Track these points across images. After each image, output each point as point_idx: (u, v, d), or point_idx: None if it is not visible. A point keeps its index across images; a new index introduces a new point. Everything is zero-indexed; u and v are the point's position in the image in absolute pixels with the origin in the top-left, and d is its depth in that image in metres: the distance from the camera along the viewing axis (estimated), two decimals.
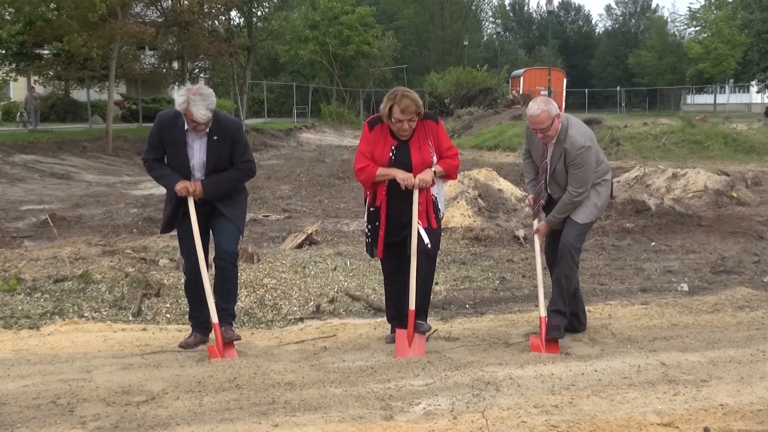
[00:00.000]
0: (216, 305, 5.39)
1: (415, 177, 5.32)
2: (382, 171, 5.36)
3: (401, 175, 5.31)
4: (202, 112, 5.08)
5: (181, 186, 5.27)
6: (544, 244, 5.93)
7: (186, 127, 5.24)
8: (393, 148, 5.38)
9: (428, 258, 5.50)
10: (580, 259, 5.83)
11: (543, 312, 5.60)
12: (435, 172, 5.39)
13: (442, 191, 5.65)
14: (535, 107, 5.49)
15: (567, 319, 5.69)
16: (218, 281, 5.48)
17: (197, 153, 5.32)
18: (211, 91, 5.22)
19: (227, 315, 5.44)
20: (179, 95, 5.12)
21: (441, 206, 5.61)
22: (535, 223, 5.92)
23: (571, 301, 5.74)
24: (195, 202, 5.34)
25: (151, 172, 5.48)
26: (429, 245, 5.42)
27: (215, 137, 5.26)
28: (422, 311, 5.56)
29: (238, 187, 5.52)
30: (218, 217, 5.42)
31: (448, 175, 5.56)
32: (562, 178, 5.60)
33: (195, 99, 5.07)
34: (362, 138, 5.53)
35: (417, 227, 5.36)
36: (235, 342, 5.37)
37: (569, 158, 5.48)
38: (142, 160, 5.55)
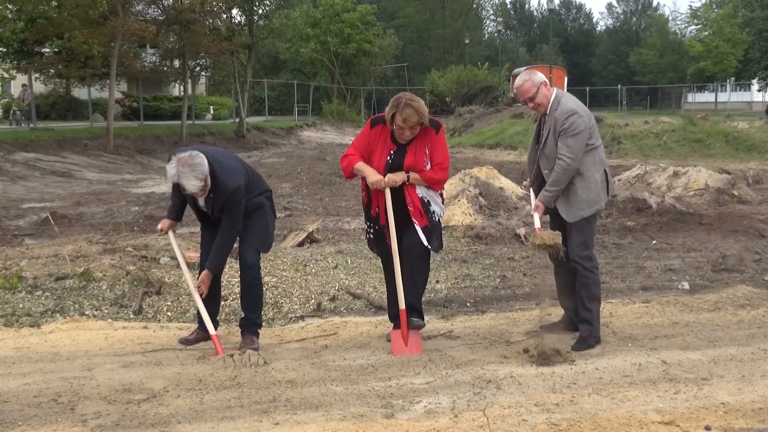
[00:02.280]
0: (242, 314, 5.64)
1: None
2: (359, 166, 5.42)
3: (371, 179, 5.37)
4: (192, 183, 5.18)
5: (159, 227, 5.80)
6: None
7: None
8: (391, 152, 5.43)
9: (419, 257, 5.49)
10: (596, 265, 5.67)
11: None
12: (409, 176, 5.37)
13: (436, 192, 5.59)
14: (519, 79, 5.59)
15: (594, 327, 5.56)
16: (243, 291, 5.64)
17: (202, 203, 5.54)
18: (201, 159, 5.22)
19: (251, 324, 5.57)
20: (171, 167, 5.21)
21: (436, 206, 5.54)
22: (532, 200, 5.70)
23: (596, 306, 5.61)
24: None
25: None
26: (427, 244, 5.43)
27: (211, 195, 5.38)
28: (413, 308, 5.49)
29: (252, 208, 5.57)
30: (244, 228, 5.55)
31: (429, 186, 5.48)
32: (551, 149, 5.48)
33: (184, 171, 5.16)
34: (361, 133, 5.60)
35: (394, 227, 5.39)
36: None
37: (558, 125, 5.41)
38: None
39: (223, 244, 5.46)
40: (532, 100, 5.52)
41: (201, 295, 5.47)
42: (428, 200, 5.48)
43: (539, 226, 5.48)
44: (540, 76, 5.57)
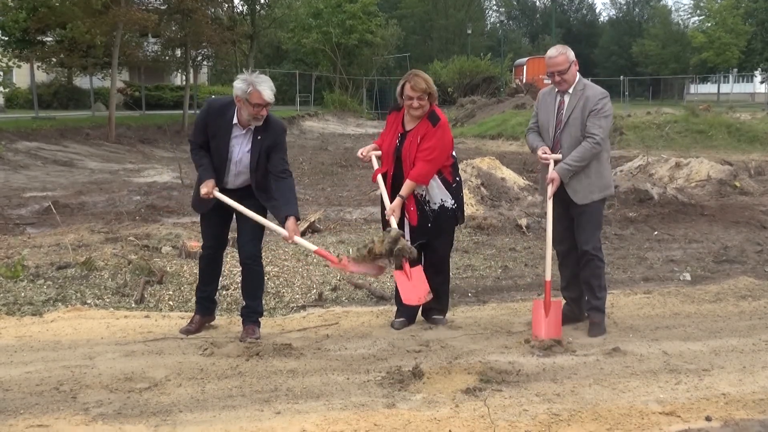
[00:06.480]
0: (244, 303, 5.64)
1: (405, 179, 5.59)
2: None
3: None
4: (268, 93, 5.14)
5: (204, 191, 5.31)
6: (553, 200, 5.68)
7: (234, 120, 5.29)
8: (399, 135, 5.67)
9: (434, 265, 5.76)
10: (604, 257, 5.79)
11: (548, 275, 5.62)
12: (402, 196, 5.55)
13: (436, 183, 5.68)
14: (553, 50, 5.62)
15: (603, 313, 5.71)
16: (243, 279, 5.63)
17: (237, 148, 5.35)
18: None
19: (253, 313, 5.57)
20: (240, 83, 5.13)
21: (434, 196, 5.68)
22: (551, 170, 5.57)
23: (604, 295, 5.75)
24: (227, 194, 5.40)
25: (192, 155, 5.56)
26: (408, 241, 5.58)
27: (259, 136, 5.31)
28: (434, 308, 5.84)
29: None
30: (241, 217, 5.44)
31: (417, 184, 5.59)
32: (576, 127, 5.51)
33: (259, 80, 5.13)
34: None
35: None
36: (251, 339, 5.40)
37: (590, 104, 5.47)
38: (189, 140, 5.64)
39: (290, 188, 5.39)
40: (561, 74, 5.52)
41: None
42: (423, 194, 5.65)
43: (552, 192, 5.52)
44: (573, 55, 5.60)
